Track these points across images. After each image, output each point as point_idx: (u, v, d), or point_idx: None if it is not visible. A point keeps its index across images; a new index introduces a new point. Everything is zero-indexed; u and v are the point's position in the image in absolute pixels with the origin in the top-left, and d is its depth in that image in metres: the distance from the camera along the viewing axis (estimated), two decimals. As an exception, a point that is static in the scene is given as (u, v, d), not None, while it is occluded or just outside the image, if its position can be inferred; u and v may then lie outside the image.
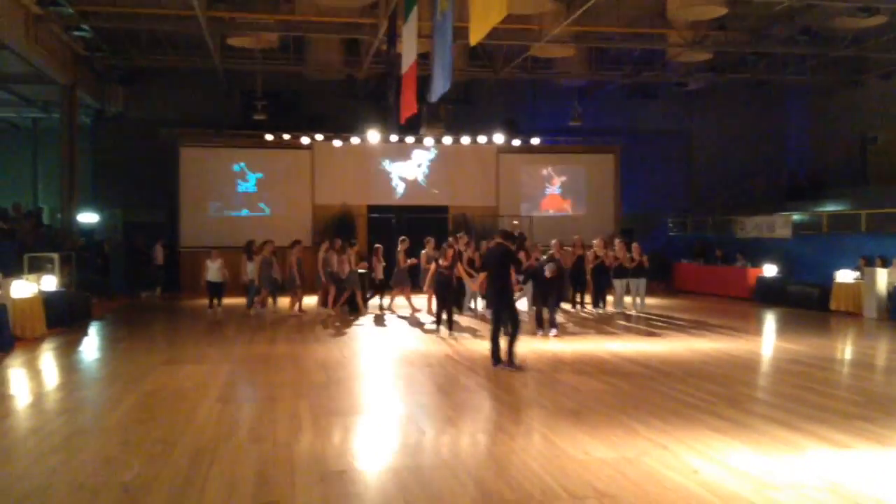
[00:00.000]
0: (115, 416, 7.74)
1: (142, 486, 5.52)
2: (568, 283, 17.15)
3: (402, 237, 17.46)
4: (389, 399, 8.66)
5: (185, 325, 15.58)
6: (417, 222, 22.69)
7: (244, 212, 24.10)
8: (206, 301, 17.67)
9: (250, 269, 16.97)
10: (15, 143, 27.07)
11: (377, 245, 18.26)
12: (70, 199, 21.81)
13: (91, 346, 13.33)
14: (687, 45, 20.66)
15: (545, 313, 13.53)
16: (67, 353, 12.21)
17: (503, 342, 10.13)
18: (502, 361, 10.10)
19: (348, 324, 15.45)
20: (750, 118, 28.41)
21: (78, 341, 13.41)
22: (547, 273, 12.79)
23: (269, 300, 17.20)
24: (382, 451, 6.59)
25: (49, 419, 7.67)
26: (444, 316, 13.79)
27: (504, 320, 10.14)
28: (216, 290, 17.33)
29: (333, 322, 15.67)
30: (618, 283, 17.16)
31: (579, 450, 6.35)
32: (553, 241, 16.08)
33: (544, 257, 14.34)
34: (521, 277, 12.11)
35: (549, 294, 13.42)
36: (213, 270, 17.27)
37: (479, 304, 16.77)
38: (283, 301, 17.55)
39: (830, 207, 23.28)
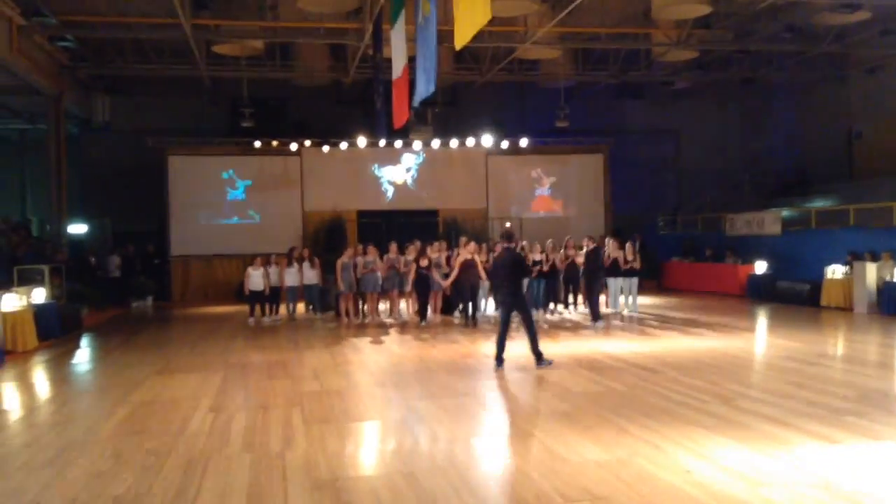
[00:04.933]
0: (107, 428, 7.71)
1: (134, 498, 5.51)
2: (560, 284, 17.20)
3: (359, 244, 17.96)
4: (382, 405, 8.66)
5: (176, 335, 15.51)
6: (408, 226, 22.69)
7: (234, 219, 24.05)
8: (196, 310, 17.55)
9: (289, 276, 17.02)
10: (2, 156, 27.08)
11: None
12: (59, 211, 21.75)
13: (82, 357, 13.28)
14: (672, 44, 20.74)
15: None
16: (59, 366, 12.17)
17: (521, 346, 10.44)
18: (541, 360, 10.37)
19: (340, 330, 15.47)
20: (736, 116, 28.58)
21: (69, 353, 13.36)
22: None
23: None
24: (375, 458, 6.59)
25: (41, 432, 7.64)
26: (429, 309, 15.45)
27: (509, 321, 10.53)
28: (258, 299, 17.12)
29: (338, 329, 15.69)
30: (612, 283, 17.16)
31: (573, 452, 6.36)
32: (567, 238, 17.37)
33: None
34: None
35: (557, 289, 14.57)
36: (256, 278, 16.99)
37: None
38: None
39: (818, 203, 23.37)
